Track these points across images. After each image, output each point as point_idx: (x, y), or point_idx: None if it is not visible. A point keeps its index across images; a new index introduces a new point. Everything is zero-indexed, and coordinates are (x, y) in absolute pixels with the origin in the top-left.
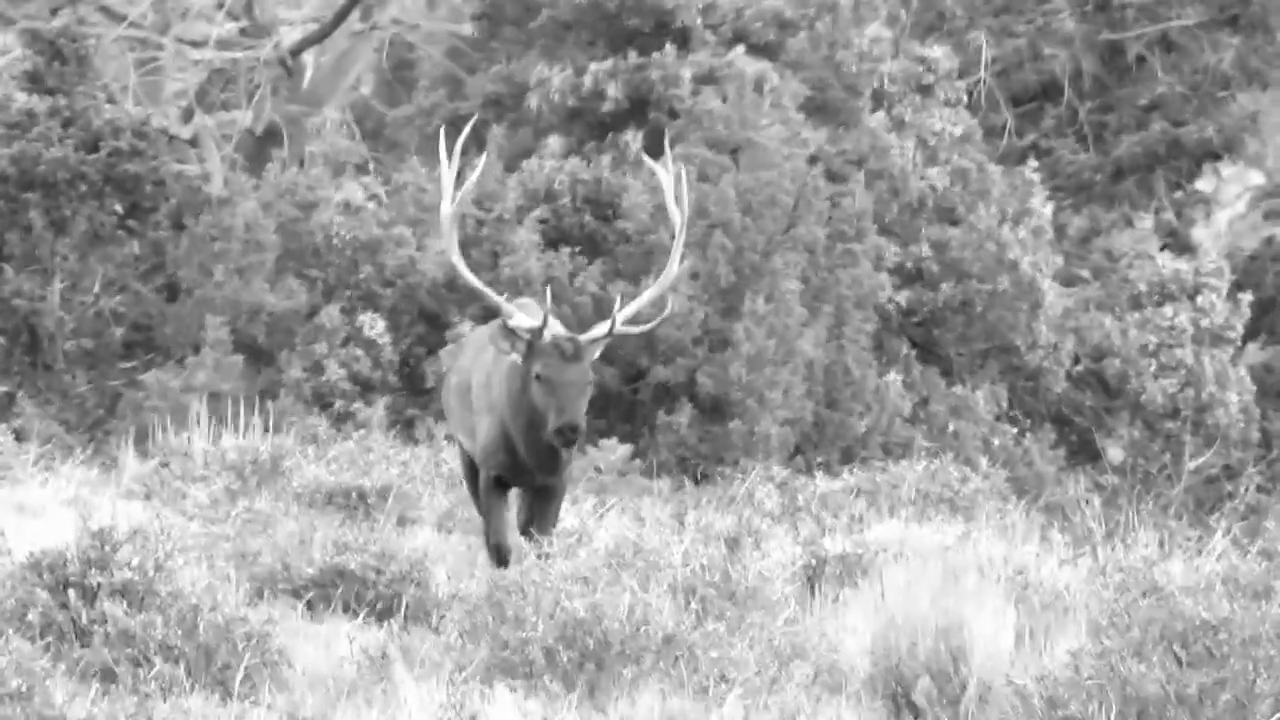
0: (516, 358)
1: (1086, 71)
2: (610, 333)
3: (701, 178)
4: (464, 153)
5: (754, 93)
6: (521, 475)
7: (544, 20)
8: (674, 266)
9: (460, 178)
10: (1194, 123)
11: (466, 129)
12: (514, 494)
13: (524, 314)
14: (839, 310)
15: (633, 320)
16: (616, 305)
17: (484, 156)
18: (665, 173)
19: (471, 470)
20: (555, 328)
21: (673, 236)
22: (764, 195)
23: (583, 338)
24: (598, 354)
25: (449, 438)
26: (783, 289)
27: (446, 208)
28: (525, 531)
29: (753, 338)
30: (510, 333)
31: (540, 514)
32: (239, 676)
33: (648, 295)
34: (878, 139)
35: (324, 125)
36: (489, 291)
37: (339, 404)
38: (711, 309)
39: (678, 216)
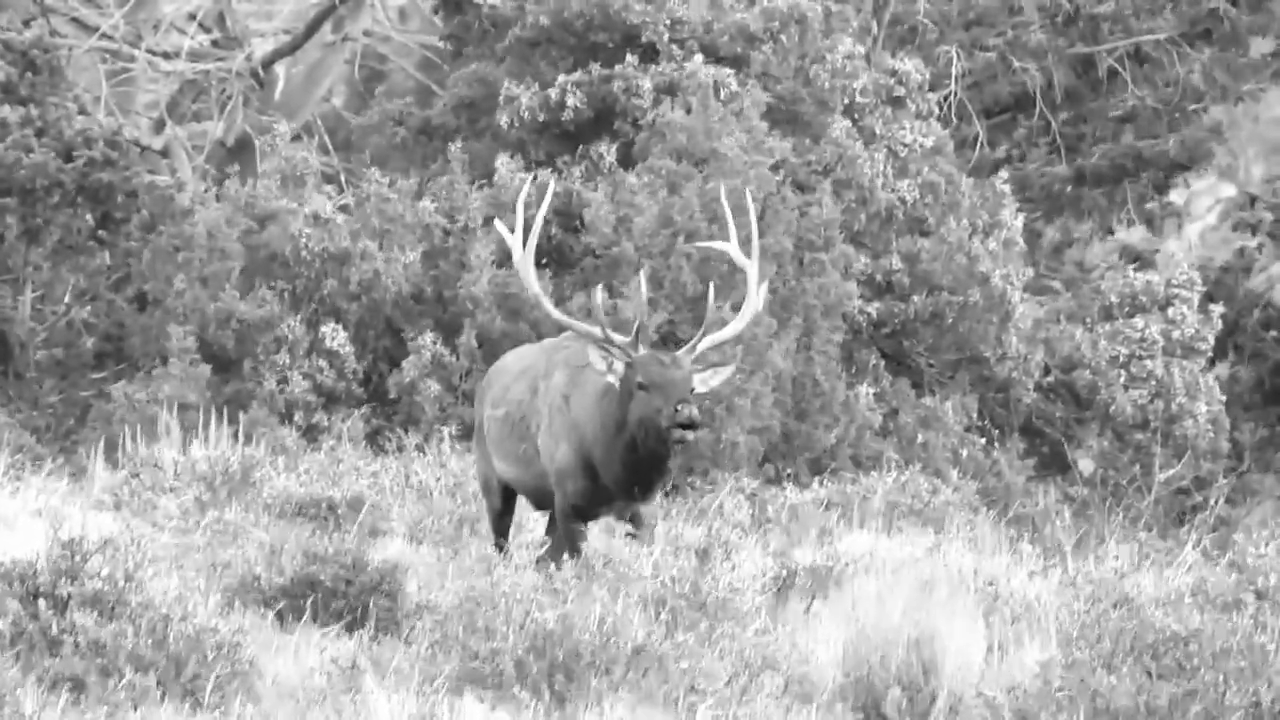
0: (615, 379)
1: (1058, 84)
2: (697, 342)
3: (671, 190)
4: (430, 163)
5: (716, 101)
6: (600, 503)
7: (511, 41)
8: (753, 294)
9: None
10: (1163, 136)
11: (527, 185)
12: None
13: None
14: (807, 320)
15: (703, 358)
16: (707, 312)
17: (549, 190)
18: (731, 246)
19: (504, 495)
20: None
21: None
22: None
23: (678, 353)
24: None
25: (472, 442)
26: None
27: (518, 255)
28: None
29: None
30: (607, 348)
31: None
32: (209, 687)
33: (731, 329)
34: (843, 148)
35: (275, 139)
36: (579, 323)
37: (299, 415)
38: (677, 318)
39: (750, 265)
